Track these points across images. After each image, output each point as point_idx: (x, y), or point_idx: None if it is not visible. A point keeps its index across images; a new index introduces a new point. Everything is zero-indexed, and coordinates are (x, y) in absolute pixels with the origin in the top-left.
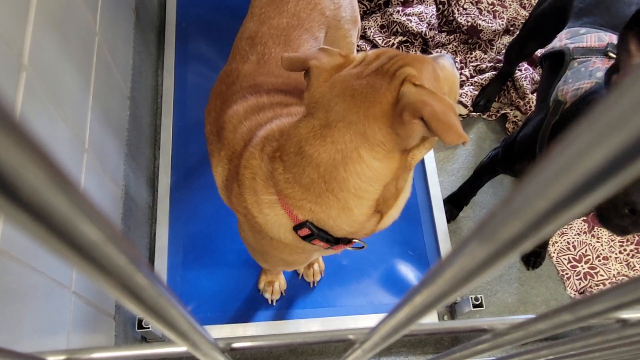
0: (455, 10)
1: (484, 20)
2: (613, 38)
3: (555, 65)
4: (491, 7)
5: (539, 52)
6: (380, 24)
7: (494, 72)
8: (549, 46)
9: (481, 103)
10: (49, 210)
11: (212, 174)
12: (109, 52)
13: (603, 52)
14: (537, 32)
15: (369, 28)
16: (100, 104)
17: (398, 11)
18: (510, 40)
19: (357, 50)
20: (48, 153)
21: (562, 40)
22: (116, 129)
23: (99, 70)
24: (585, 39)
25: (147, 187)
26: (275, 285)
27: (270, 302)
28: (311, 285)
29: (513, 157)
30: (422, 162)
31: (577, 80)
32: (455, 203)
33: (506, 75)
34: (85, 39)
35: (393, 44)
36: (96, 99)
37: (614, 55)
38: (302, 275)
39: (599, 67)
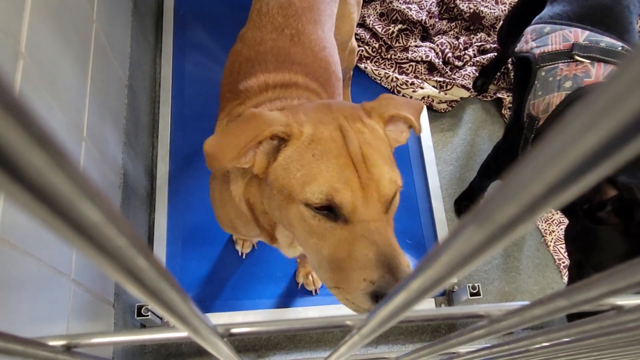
0: None
1: (486, 6)
2: (578, 34)
3: (524, 69)
4: None
5: None
6: (379, 11)
7: (496, 53)
8: (518, 46)
9: (478, 83)
10: (51, 190)
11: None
12: (106, 40)
13: (568, 54)
14: (524, 12)
15: (369, 16)
16: (98, 93)
17: None
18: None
19: (356, 38)
20: (50, 134)
21: (528, 41)
22: (114, 117)
23: (97, 58)
24: (549, 41)
25: (146, 175)
26: (246, 241)
27: (240, 255)
28: (314, 293)
29: (502, 168)
30: (420, 151)
31: (546, 93)
32: (470, 198)
33: (502, 58)
34: (83, 26)
35: (393, 32)
36: (94, 87)
37: (579, 58)
38: (303, 285)
39: (566, 75)
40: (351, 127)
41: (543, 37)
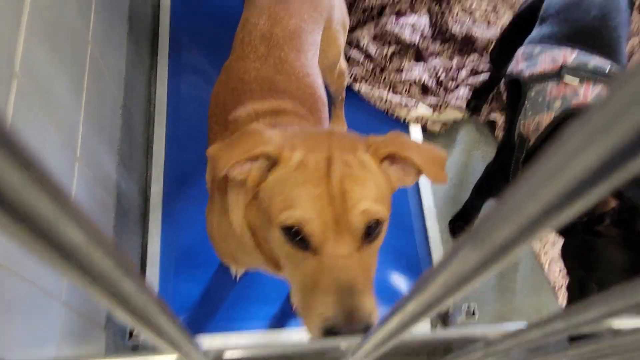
0: (449, 20)
1: (478, 29)
2: (567, 55)
3: (515, 90)
4: (485, 15)
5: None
6: (373, 34)
7: (489, 75)
8: (509, 68)
9: (472, 105)
10: (31, 210)
11: (204, 184)
12: (101, 61)
13: (557, 75)
14: (514, 36)
15: (363, 38)
16: (93, 113)
17: (392, 21)
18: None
19: (346, 59)
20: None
21: (519, 63)
22: (108, 138)
23: (91, 79)
24: (539, 62)
25: (139, 196)
26: None
27: (234, 276)
28: None
29: (494, 189)
30: None
31: (536, 113)
32: (464, 219)
33: (495, 79)
34: (78, 47)
35: (386, 54)
36: (88, 108)
37: (567, 80)
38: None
39: (555, 96)
40: (340, 159)
41: (533, 58)
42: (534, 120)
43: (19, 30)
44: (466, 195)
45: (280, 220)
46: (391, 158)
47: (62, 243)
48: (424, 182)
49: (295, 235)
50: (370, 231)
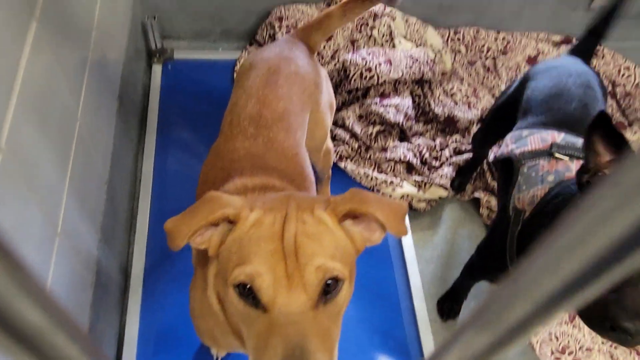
0: (431, 102)
1: (459, 110)
2: (555, 136)
3: (507, 169)
4: (465, 98)
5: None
6: (358, 114)
7: (471, 155)
8: (499, 152)
9: (456, 183)
10: None
11: (187, 261)
12: (89, 137)
13: (548, 152)
14: (495, 124)
15: (348, 118)
16: (77, 189)
17: (376, 102)
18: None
19: (332, 138)
20: None
21: (508, 145)
22: (91, 213)
23: (78, 155)
24: (529, 142)
25: (120, 273)
26: None
27: (215, 359)
28: None
29: (487, 267)
30: (401, 250)
31: (530, 187)
32: (453, 299)
33: (478, 159)
34: (66, 123)
35: (371, 133)
36: (73, 183)
37: (558, 156)
38: None
39: (548, 170)
40: (296, 217)
41: (522, 139)
42: (529, 194)
43: (9, 104)
44: (454, 274)
45: (232, 277)
46: (353, 216)
47: (17, 325)
48: (411, 260)
49: (249, 294)
50: (328, 290)
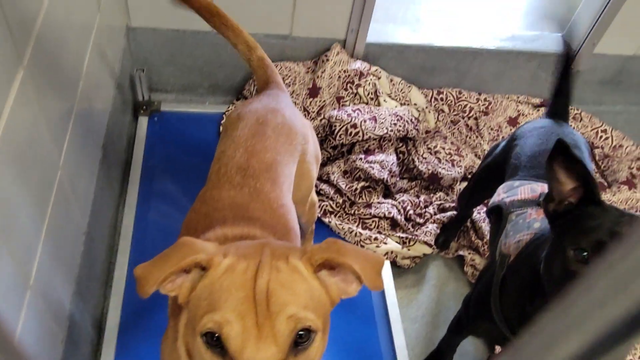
0: (416, 159)
1: (443, 168)
2: (545, 188)
3: (498, 219)
4: (449, 156)
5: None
6: (343, 169)
7: (455, 212)
8: (491, 201)
9: (440, 240)
10: None
11: (163, 317)
12: (70, 187)
13: (537, 202)
14: (482, 184)
15: (333, 173)
16: (53, 239)
17: (361, 159)
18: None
19: (317, 192)
20: None
21: (500, 195)
22: (67, 265)
23: (57, 205)
24: (519, 192)
25: (93, 328)
26: None
27: None
28: None
29: (474, 317)
30: (385, 308)
31: (517, 233)
32: (439, 359)
33: (463, 218)
34: (47, 172)
35: (356, 189)
36: (49, 233)
37: None
38: None
39: (535, 218)
40: (270, 264)
41: (513, 189)
42: (515, 239)
43: None
44: (439, 333)
45: (201, 325)
46: (329, 266)
47: None
48: (395, 319)
49: (217, 344)
50: (300, 341)
